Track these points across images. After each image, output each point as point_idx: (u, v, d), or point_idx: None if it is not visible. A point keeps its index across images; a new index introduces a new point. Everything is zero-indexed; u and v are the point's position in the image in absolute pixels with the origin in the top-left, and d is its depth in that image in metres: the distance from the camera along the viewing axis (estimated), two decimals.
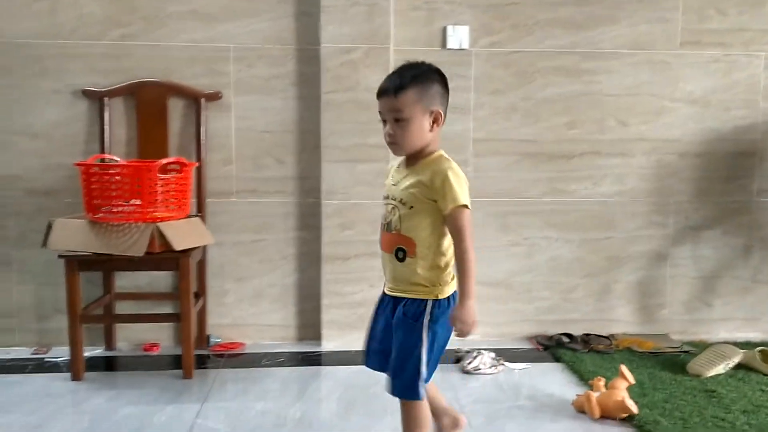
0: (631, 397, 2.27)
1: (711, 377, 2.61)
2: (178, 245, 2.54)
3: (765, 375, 2.64)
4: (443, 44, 3.04)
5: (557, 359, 2.89)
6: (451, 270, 1.75)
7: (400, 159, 1.82)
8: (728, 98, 3.17)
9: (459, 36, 3.04)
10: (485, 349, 2.87)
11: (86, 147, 2.93)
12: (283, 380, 2.66)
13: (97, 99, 2.91)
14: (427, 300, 1.73)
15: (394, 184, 1.79)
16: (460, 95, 3.05)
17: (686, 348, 2.96)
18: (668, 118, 3.17)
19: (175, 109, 2.96)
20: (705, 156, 3.19)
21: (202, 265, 2.98)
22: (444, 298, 1.75)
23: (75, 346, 2.59)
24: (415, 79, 1.71)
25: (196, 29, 2.94)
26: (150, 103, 2.91)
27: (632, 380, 2.32)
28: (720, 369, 2.66)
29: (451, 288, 1.76)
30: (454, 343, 3.36)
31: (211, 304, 3.06)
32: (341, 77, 2.92)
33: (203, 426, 2.21)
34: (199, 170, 2.93)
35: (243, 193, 3.05)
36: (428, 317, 1.72)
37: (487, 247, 3.14)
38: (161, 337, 3.03)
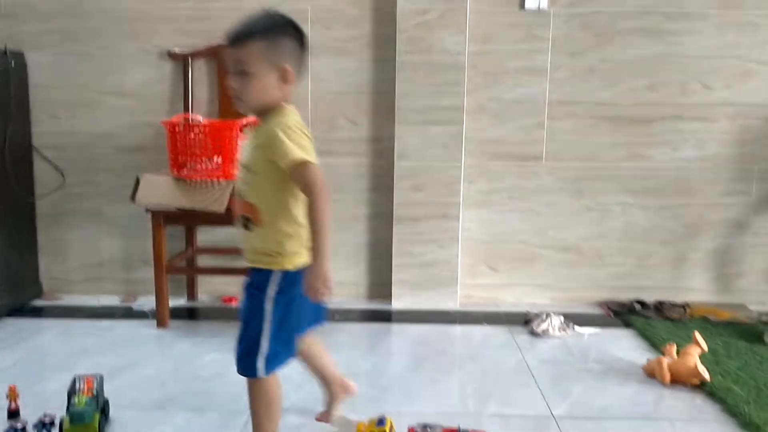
0: (704, 364, 2.24)
1: None
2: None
3: None
4: (521, 5, 2.99)
5: (628, 325, 2.87)
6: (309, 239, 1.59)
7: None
8: None
9: None
10: (555, 313, 2.88)
11: (171, 106, 3.05)
12: (354, 335, 2.74)
13: (181, 60, 3.01)
14: (272, 270, 1.61)
15: (246, 149, 1.67)
16: (537, 57, 3.01)
17: (765, 318, 2.89)
18: (754, 82, 3.04)
19: None
20: None
21: None
22: (294, 270, 1.61)
23: (160, 295, 2.75)
24: (263, 32, 1.56)
25: None
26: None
27: (705, 347, 2.29)
28: None
29: (304, 258, 1.61)
30: (523, 305, 3.36)
31: None
32: (416, 39, 2.93)
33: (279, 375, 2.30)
34: None
35: (318, 154, 3.11)
36: (274, 289, 1.60)
37: (559, 211, 3.12)
38: (239, 290, 3.16)
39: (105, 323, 2.83)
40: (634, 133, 3.08)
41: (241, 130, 2.65)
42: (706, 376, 2.20)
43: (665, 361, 2.27)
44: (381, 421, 1.74)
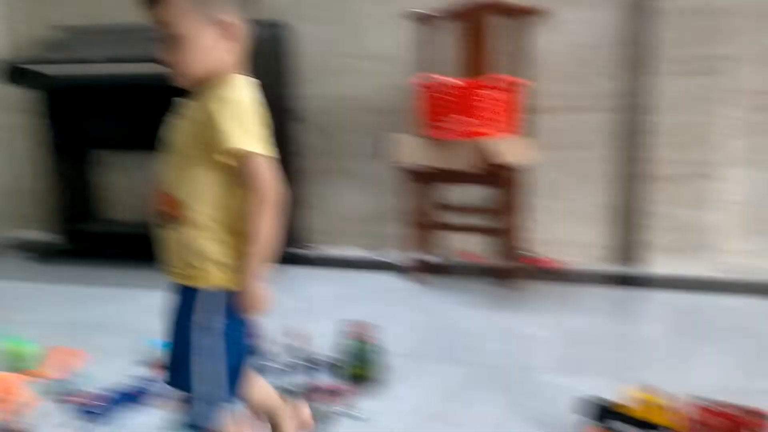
0: None
1: None
2: (504, 161, 2.65)
3: None
4: None
5: None
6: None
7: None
8: None
9: None
10: None
11: (418, 68, 3.14)
12: (601, 299, 2.67)
13: (427, 22, 3.07)
14: (196, 288, 1.30)
15: (175, 126, 1.35)
16: None
17: None
18: None
19: (500, 28, 3.01)
20: None
21: (521, 182, 3.06)
22: (219, 290, 1.30)
23: (410, 249, 2.88)
24: None
25: None
26: (475, 24, 3.00)
27: None
28: None
29: (228, 275, 1.31)
30: None
31: (528, 220, 3.14)
32: None
33: (523, 333, 2.35)
34: (523, 88, 2.98)
35: (565, 110, 3.03)
36: (199, 313, 1.29)
37: None
38: (481, 248, 3.21)
39: (359, 274, 3.04)
40: None
41: (488, 89, 2.66)
42: None
43: None
44: None
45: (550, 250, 3.13)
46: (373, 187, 3.34)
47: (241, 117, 1.24)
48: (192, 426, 1.33)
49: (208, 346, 1.29)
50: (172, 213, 1.30)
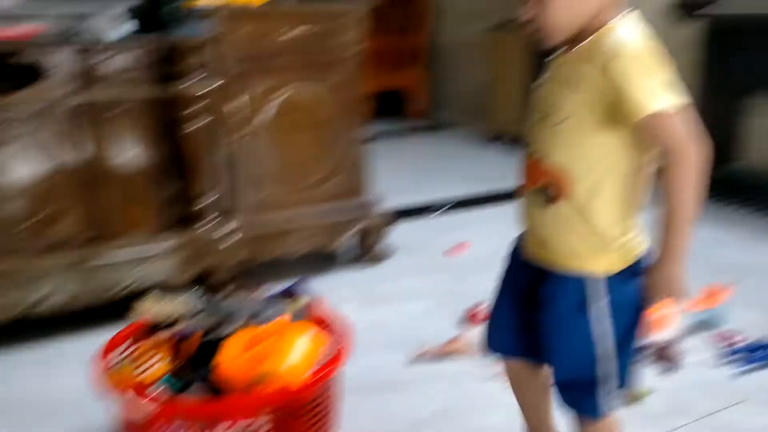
0: None
1: None
2: None
3: None
4: None
5: None
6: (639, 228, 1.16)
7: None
8: None
9: None
10: None
11: None
12: None
13: None
14: (585, 279, 1.14)
15: (539, 87, 1.19)
16: None
17: None
18: None
19: None
20: None
21: None
22: (618, 272, 1.14)
23: None
24: None
25: None
26: None
27: None
28: None
29: (628, 254, 1.15)
30: None
31: None
32: None
33: None
34: None
35: None
36: (597, 303, 1.14)
37: None
38: None
39: None
40: None
41: None
42: None
43: None
44: None
45: None
46: None
47: (643, 73, 1.05)
48: (575, 407, 1.25)
49: (597, 333, 1.16)
50: (550, 185, 1.15)
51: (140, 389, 1.39)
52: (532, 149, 1.18)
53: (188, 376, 1.45)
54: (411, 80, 5.72)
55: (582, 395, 1.21)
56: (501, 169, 4.15)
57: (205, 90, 2.16)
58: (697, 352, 1.93)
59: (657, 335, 1.84)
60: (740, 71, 3.23)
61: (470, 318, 2.20)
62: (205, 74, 2.16)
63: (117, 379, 1.42)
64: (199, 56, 2.13)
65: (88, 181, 2.09)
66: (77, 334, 2.12)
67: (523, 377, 1.37)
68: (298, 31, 2.34)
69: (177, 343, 1.56)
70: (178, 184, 2.24)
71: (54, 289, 2.04)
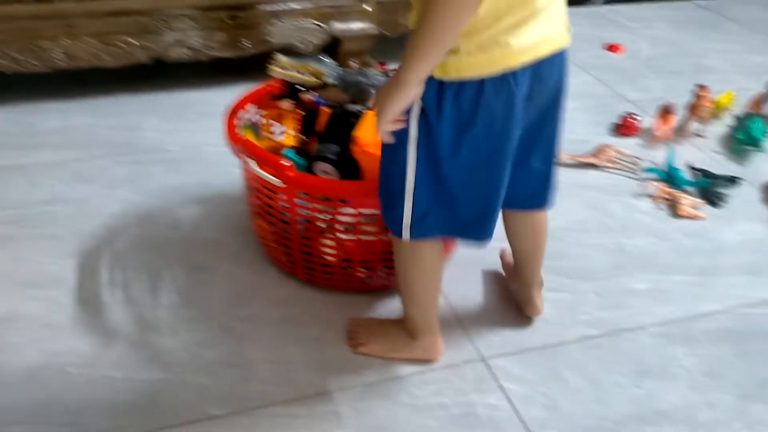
0: None
1: None
2: None
3: None
4: None
5: None
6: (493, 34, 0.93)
7: None
8: None
9: None
10: None
11: None
12: None
13: None
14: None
15: None
16: None
17: None
18: None
19: None
20: None
21: None
22: (452, 80, 0.95)
23: None
24: None
25: None
26: None
27: None
28: None
29: (472, 64, 0.93)
30: None
31: None
32: None
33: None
34: None
35: None
36: (418, 105, 0.97)
37: None
38: None
39: None
40: None
41: None
42: None
43: None
44: None
45: None
46: None
47: None
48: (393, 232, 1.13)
49: (413, 145, 1.02)
50: None
51: (268, 157, 1.29)
52: None
53: (316, 152, 1.34)
54: None
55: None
56: None
57: None
58: None
59: None
60: None
61: (623, 128, 1.98)
62: None
63: (246, 141, 1.32)
64: None
65: None
66: (205, 87, 2.10)
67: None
68: None
69: (304, 116, 1.44)
70: None
71: (185, 36, 1.96)
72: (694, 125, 1.99)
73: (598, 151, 1.83)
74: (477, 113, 0.97)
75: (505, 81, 0.95)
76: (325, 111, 1.38)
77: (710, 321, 1.36)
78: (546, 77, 1.01)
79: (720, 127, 2.04)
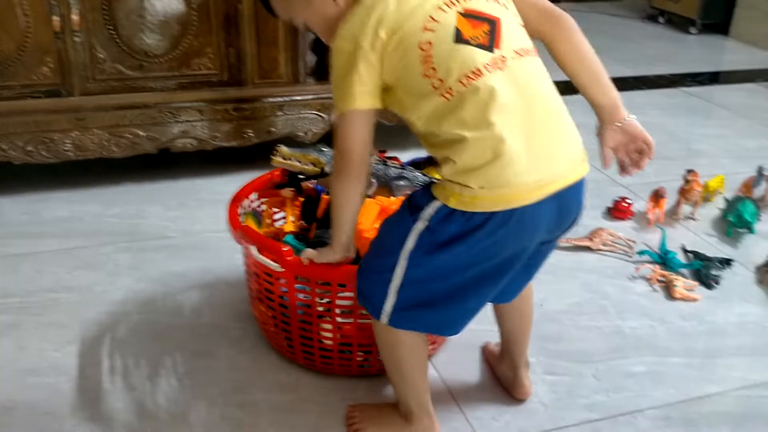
0: None
1: None
2: None
3: None
4: None
5: None
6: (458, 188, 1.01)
7: None
8: None
9: None
10: None
11: None
12: None
13: None
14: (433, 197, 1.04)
15: None
16: None
17: None
18: None
19: None
20: None
21: None
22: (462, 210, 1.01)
23: None
24: None
25: None
26: None
27: None
28: None
29: (482, 199, 1.00)
30: None
31: None
32: None
33: None
34: None
35: None
36: (424, 222, 1.03)
37: None
38: None
39: None
40: None
41: None
42: None
43: None
44: None
45: None
46: None
47: (335, 63, 1.06)
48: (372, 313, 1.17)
49: (408, 251, 1.07)
50: None
51: (267, 243, 1.33)
52: None
53: (315, 238, 1.38)
54: None
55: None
56: (656, 52, 3.83)
57: None
58: None
59: None
60: None
61: (616, 212, 2.02)
62: None
63: (247, 228, 1.36)
64: None
65: (227, 19, 2.01)
66: (209, 175, 2.17)
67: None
68: None
69: (304, 203, 1.48)
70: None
71: (191, 127, 2.04)
72: (686, 208, 2.05)
73: (593, 234, 1.87)
74: (482, 242, 1.01)
75: (516, 214, 1.00)
76: (325, 198, 1.43)
77: (708, 404, 1.35)
78: (566, 209, 1.07)
79: (712, 210, 2.09)
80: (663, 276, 1.72)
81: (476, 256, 1.03)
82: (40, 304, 1.57)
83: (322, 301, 1.31)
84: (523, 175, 0.99)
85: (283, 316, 1.34)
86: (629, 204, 2.02)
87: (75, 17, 1.85)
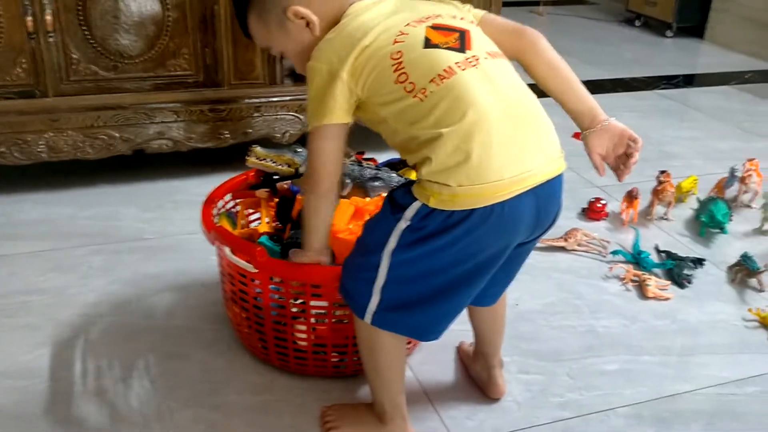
0: None
1: None
2: None
3: None
4: None
5: None
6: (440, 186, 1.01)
7: None
8: None
9: None
10: None
11: None
12: None
13: None
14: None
15: None
16: None
17: None
18: None
19: None
20: None
21: None
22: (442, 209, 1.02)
23: None
24: (240, 4, 1.17)
25: None
26: None
27: None
28: None
29: (462, 197, 1.00)
30: None
31: None
32: None
33: None
34: None
35: None
36: (406, 221, 1.04)
37: None
38: None
39: None
40: None
41: None
42: None
43: None
44: None
45: None
46: None
47: (310, 82, 1.08)
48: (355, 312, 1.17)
49: (390, 251, 1.08)
50: None
51: (241, 244, 1.32)
52: None
53: (290, 239, 1.38)
54: None
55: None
56: (632, 55, 3.86)
57: None
58: None
59: None
60: None
61: (590, 212, 2.04)
62: None
63: (222, 229, 1.36)
64: None
65: (203, 20, 1.99)
66: (184, 176, 2.15)
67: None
68: None
69: (278, 203, 1.48)
70: None
71: (167, 128, 2.03)
72: (659, 209, 2.07)
73: (568, 235, 1.88)
74: (462, 239, 1.02)
75: (496, 210, 1.01)
76: (300, 199, 1.43)
77: (680, 402, 1.37)
78: (545, 207, 1.08)
79: (685, 210, 2.11)
80: (636, 276, 1.74)
81: (458, 254, 1.04)
82: (12, 306, 1.55)
83: (296, 302, 1.31)
84: (500, 170, 1.00)
85: (257, 318, 1.34)
86: (603, 205, 2.04)
87: (48, 18, 1.84)
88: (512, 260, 1.14)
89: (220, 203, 1.51)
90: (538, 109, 1.08)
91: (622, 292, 1.70)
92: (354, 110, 1.08)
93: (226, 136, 2.10)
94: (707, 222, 1.97)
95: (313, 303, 1.29)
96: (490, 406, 1.34)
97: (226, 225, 1.43)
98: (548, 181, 1.05)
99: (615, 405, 1.35)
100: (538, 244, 1.80)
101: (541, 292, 1.69)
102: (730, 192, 2.15)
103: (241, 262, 1.26)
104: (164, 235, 1.86)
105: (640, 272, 1.75)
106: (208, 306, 1.57)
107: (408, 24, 1.06)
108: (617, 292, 1.71)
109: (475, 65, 1.03)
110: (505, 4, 2.53)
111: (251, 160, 1.52)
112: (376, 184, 1.50)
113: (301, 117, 2.16)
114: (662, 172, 2.06)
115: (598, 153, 1.13)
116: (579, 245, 1.87)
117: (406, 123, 1.03)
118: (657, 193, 2.04)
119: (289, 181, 1.51)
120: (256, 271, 1.25)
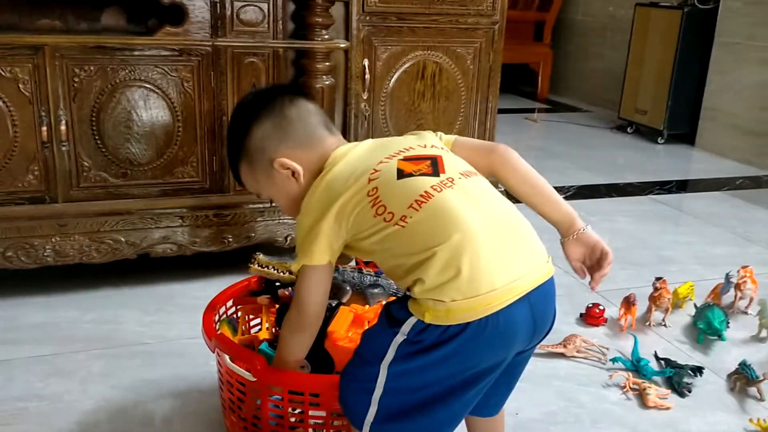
0: None
1: None
2: None
3: None
4: None
5: None
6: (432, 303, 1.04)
7: None
8: None
9: None
10: None
11: None
12: None
13: None
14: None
15: None
16: None
17: None
18: None
19: None
20: None
21: None
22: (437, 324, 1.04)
23: None
24: (234, 153, 1.26)
25: None
26: None
27: None
28: None
29: (456, 311, 1.03)
30: None
31: None
32: None
33: None
34: None
35: None
36: (403, 334, 1.06)
37: None
38: None
39: None
40: None
41: None
42: None
43: None
44: None
45: None
46: None
47: (301, 225, 1.17)
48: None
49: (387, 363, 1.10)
50: None
51: (240, 352, 1.33)
52: None
53: None
54: (534, 57, 5.49)
55: None
56: (625, 161, 3.97)
57: (332, 49, 2.08)
58: None
59: None
60: None
61: (589, 318, 2.05)
62: (331, 33, 2.08)
63: (222, 336, 1.38)
64: (328, 16, 2.05)
65: (212, 130, 2.08)
66: (187, 280, 2.18)
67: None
68: None
69: (279, 310, 1.50)
70: None
71: (172, 233, 2.08)
72: (657, 315, 2.08)
73: (567, 341, 1.89)
74: (460, 352, 1.04)
75: (491, 322, 1.03)
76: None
77: None
78: (540, 315, 1.10)
79: (683, 316, 2.13)
80: (636, 384, 1.73)
81: (455, 366, 1.05)
82: (9, 413, 1.54)
83: (294, 412, 1.30)
84: (491, 281, 1.03)
85: (255, 428, 1.33)
86: (602, 310, 2.06)
87: (63, 128, 1.92)
88: (512, 368, 1.15)
89: (222, 309, 1.53)
90: (519, 219, 1.13)
91: (623, 400, 1.70)
92: (344, 249, 1.15)
93: (230, 240, 2.15)
94: (705, 329, 1.98)
95: (312, 413, 1.29)
96: None
97: (226, 331, 1.45)
98: (540, 286, 1.08)
99: None
100: (538, 350, 1.82)
101: (541, 400, 1.68)
102: (727, 298, 2.17)
103: (240, 370, 1.27)
104: (165, 339, 1.87)
105: (639, 380, 1.74)
106: (206, 413, 1.56)
107: (381, 162, 1.13)
108: (617, 400, 1.70)
109: (450, 186, 1.08)
110: (500, 111, 2.64)
111: (254, 268, 1.55)
112: (376, 291, 1.52)
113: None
114: (658, 278, 2.09)
115: (575, 260, 1.19)
116: (578, 352, 1.87)
117: (391, 252, 1.09)
118: (654, 299, 2.06)
119: (290, 288, 1.53)
120: (255, 379, 1.26)
